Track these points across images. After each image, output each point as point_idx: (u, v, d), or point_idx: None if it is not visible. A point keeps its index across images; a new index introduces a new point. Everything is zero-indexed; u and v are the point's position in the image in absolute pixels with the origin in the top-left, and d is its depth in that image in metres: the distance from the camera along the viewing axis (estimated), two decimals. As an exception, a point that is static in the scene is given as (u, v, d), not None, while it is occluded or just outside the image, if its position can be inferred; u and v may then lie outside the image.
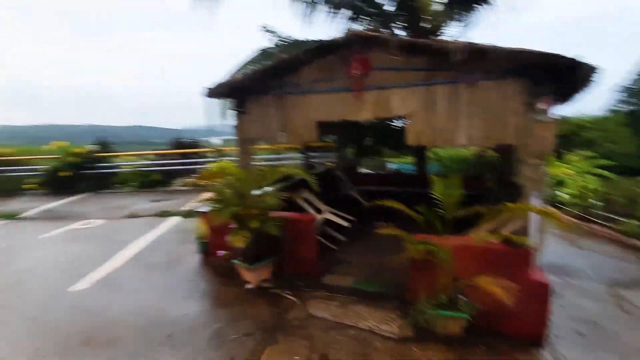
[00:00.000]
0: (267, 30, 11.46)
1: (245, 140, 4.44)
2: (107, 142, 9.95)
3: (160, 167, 9.36)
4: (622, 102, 15.84)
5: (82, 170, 9.14)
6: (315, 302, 3.45)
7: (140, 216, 6.61)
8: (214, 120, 10.76)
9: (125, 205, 7.57)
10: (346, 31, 3.45)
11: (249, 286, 3.67)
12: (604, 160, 8.11)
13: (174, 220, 6.24)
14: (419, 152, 8.10)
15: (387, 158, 12.25)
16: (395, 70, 3.53)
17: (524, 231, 3.14)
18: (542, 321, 2.83)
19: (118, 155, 9.83)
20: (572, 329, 3.05)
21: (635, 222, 5.33)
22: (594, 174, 7.44)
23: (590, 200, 6.41)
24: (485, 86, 3.20)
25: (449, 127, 3.36)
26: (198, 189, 8.83)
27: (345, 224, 4.91)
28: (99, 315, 3.22)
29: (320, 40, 7.40)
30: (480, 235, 3.08)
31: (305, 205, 4.99)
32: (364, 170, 11.05)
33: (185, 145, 9.68)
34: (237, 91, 4.22)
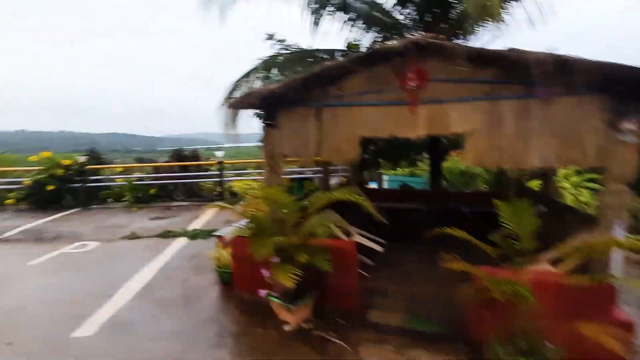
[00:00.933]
0: (271, 38, 11.10)
1: (274, 156, 3.97)
2: (97, 152, 9.20)
3: (157, 181, 8.70)
4: None
5: (70, 183, 8.38)
6: (367, 347, 2.99)
7: (141, 237, 5.98)
8: (226, 130, 10.25)
9: (122, 223, 6.90)
10: (404, 39, 3.06)
11: (287, 328, 3.17)
12: (594, 174, 8.16)
13: (180, 243, 5.65)
14: (434, 166, 7.80)
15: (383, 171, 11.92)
16: (455, 82, 3.16)
17: (604, 264, 2.81)
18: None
19: (109, 167, 9.11)
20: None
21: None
22: (587, 188, 7.57)
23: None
24: (562, 102, 2.87)
25: (518, 147, 3.00)
26: (200, 205, 8.24)
27: (378, 248, 4.48)
28: (113, 372, 2.66)
29: (371, 47, 7.01)
30: (561, 269, 2.72)
31: (334, 228, 4.53)
32: (372, 185, 10.73)
33: (184, 157, 9.07)
34: (267, 102, 3.77)
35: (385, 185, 11.56)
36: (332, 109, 3.60)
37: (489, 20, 6.02)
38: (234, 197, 8.75)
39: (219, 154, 8.65)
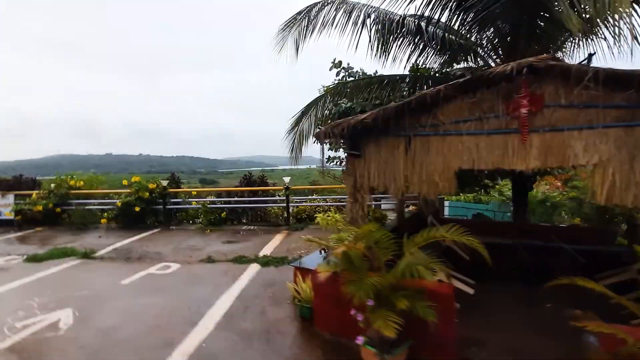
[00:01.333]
0: (337, 66, 11.30)
1: (359, 187, 3.81)
2: (176, 176, 9.95)
3: (228, 205, 9.08)
4: None
5: (153, 205, 9.10)
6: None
7: (216, 261, 6.15)
8: (292, 154, 10.46)
9: (198, 245, 7.21)
10: (515, 61, 2.77)
11: (379, 379, 2.86)
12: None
13: (254, 269, 5.68)
14: (518, 195, 7.07)
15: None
16: (577, 107, 2.77)
17: None
18: None
19: (185, 191, 9.74)
20: None
21: None
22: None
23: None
24: None
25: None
26: (268, 230, 8.37)
27: (469, 290, 4.03)
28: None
29: (471, 71, 6.76)
30: None
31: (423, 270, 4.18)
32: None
33: (252, 182, 9.39)
34: (354, 132, 3.66)
35: (446, 212, 10.78)
36: (425, 139, 3.37)
37: (595, 32, 5.41)
38: (299, 223, 8.77)
39: (286, 179, 8.79)
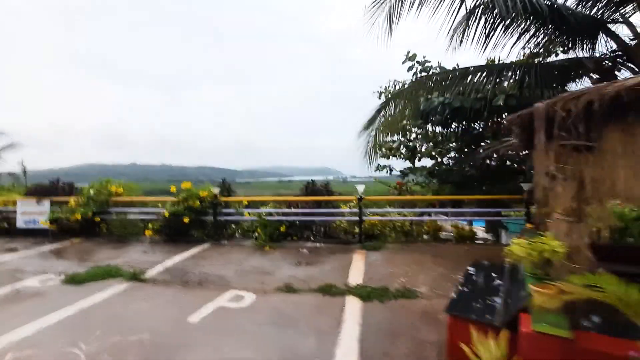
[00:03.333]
0: (411, 59, 10.00)
1: (586, 199, 2.42)
2: (227, 183, 8.77)
3: (287, 217, 7.78)
4: None
5: (202, 215, 7.91)
6: None
7: (298, 291, 4.81)
8: (365, 160, 9.09)
9: (265, 268, 5.91)
10: None
11: None
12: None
13: (354, 305, 4.30)
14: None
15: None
16: None
17: None
18: None
19: (236, 200, 8.53)
20: None
21: None
22: None
23: None
24: None
25: None
26: (340, 248, 7.00)
27: None
28: None
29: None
30: None
31: None
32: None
33: (317, 191, 8.08)
34: (583, 114, 2.29)
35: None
36: None
37: None
38: (371, 240, 7.37)
39: (360, 188, 7.44)
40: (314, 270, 5.75)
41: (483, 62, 7.76)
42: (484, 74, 6.73)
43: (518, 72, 6.56)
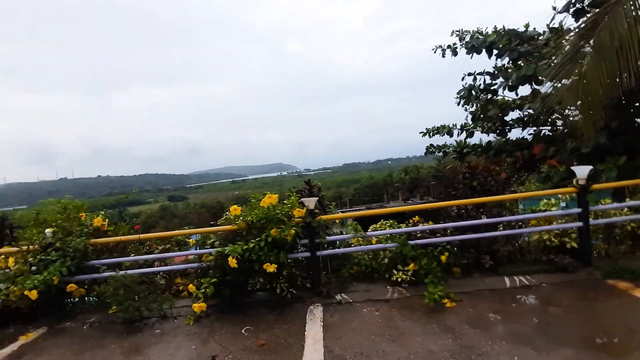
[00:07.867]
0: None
1: None
2: (318, 188, 4.93)
3: (443, 237, 4.35)
4: None
5: (292, 251, 4.18)
6: None
7: None
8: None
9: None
10: None
11: None
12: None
13: None
14: None
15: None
16: None
17: None
18: None
19: (337, 218, 4.84)
20: None
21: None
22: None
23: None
24: None
25: None
26: (566, 283, 3.68)
27: None
28: None
29: None
30: None
31: None
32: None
33: (480, 190, 4.68)
34: None
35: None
36: None
37: None
38: (607, 262, 4.25)
39: (582, 171, 4.24)
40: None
41: None
42: None
43: None
